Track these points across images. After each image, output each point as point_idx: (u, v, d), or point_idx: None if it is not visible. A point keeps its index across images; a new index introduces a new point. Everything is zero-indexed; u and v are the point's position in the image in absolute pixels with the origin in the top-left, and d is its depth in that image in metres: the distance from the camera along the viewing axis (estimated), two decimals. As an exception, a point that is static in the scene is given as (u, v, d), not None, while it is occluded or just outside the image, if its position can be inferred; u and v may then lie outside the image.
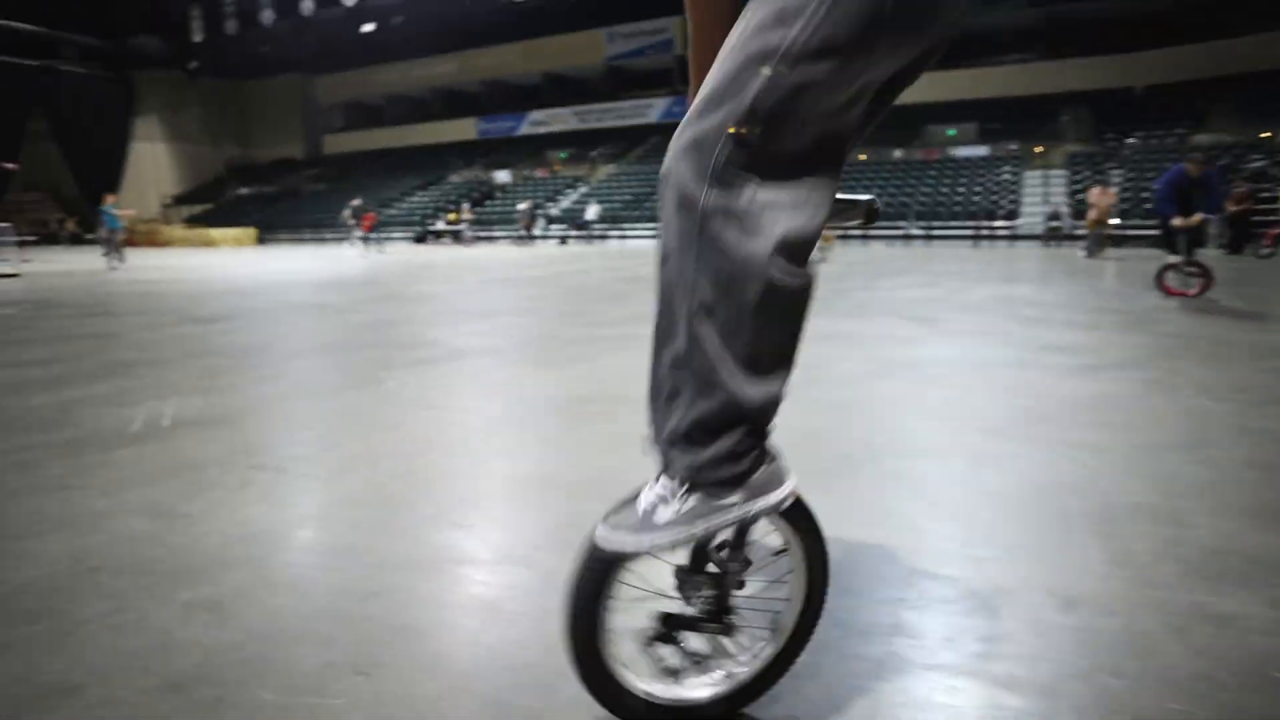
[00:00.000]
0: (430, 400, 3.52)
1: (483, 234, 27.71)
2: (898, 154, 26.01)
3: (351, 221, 21.51)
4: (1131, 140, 23.21)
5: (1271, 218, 16.30)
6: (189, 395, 3.59)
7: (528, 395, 3.61)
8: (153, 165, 39.08)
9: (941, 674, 1.35)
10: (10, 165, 7.50)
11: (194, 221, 36.26)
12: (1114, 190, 11.84)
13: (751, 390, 0.98)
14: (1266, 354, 4.45)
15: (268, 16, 31.37)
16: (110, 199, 16.08)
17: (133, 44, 35.45)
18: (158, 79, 37.81)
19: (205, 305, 7.82)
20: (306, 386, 3.87)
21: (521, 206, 25.72)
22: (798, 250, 0.96)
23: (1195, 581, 1.67)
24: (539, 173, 33.65)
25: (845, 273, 11.00)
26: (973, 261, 13.71)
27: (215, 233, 31.24)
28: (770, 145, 0.93)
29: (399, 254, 20.04)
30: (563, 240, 25.91)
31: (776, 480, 1.05)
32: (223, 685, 1.32)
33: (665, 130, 33.39)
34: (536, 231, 26.19)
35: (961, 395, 3.51)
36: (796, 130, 0.93)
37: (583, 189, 30.35)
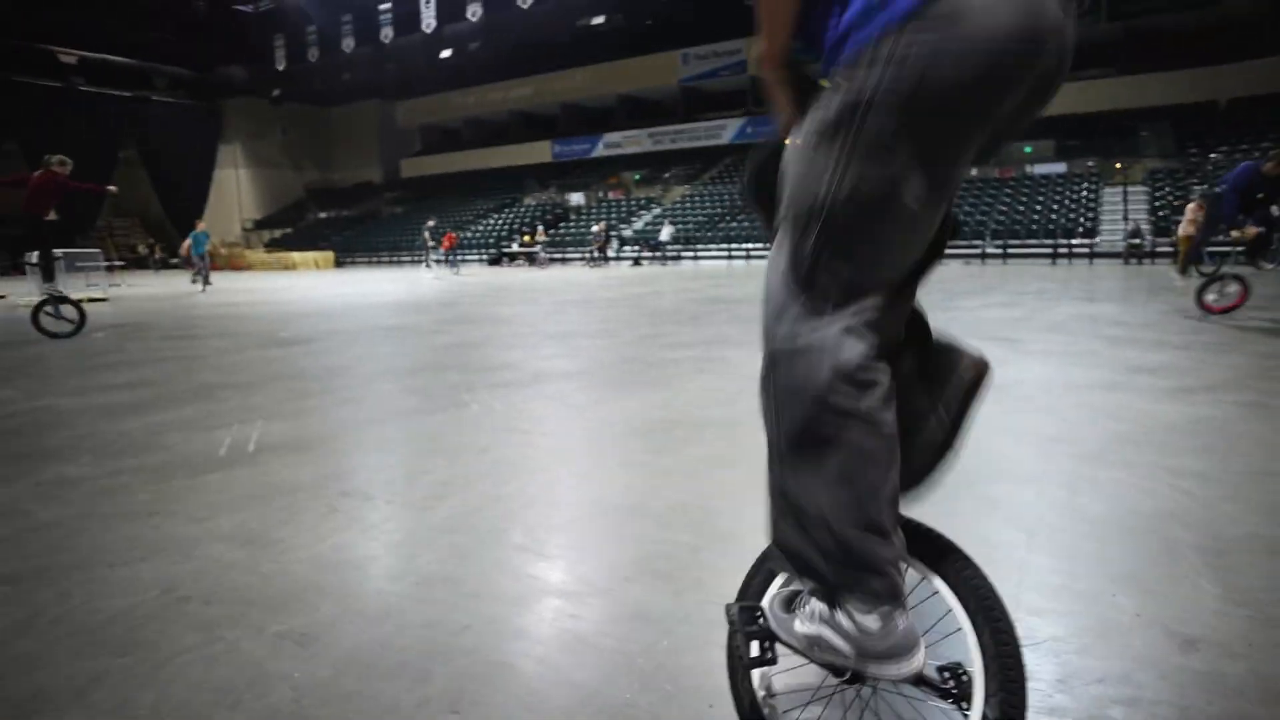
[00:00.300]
0: (514, 424, 3.65)
1: (556, 255, 28.29)
2: (974, 172, 25.29)
3: (431, 243, 22.20)
4: (1215, 155, 21.98)
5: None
6: (274, 419, 3.78)
7: (611, 419, 3.70)
8: (235, 190, 41.48)
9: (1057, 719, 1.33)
10: (110, 188, 8.10)
11: (274, 245, 38.24)
12: (1211, 204, 11.31)
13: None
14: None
15: (349, 44, 32.95)
16: (200, 225, 17.09)
17: (220, 73, 37.84)
18: (242, 107, 40.18)
19: (288, 327, 8.26)
20: (391, 410, 4.06)
21: (595, 228, 26.16)
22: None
23: (1312, 620, 1.62)
24: (613, 194, 34.19)
25: (923, 292, 10.74)
26: (1052, 280, 13.24)
27: (295, 256, 32.80)
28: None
29: (474, 276, 20.68)
30: (636, 261, 26.19)
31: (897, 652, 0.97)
32: (314, 723, 1.35)
33: (738, 151, 33.58)
34: (610, 253, 26.59)
35: (1052, 418, 3.43)
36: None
37: (656, 210, 30.66)
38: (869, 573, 0.96)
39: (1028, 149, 25.30)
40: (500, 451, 3.17)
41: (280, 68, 35.90)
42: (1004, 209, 22.49)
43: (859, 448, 0.95)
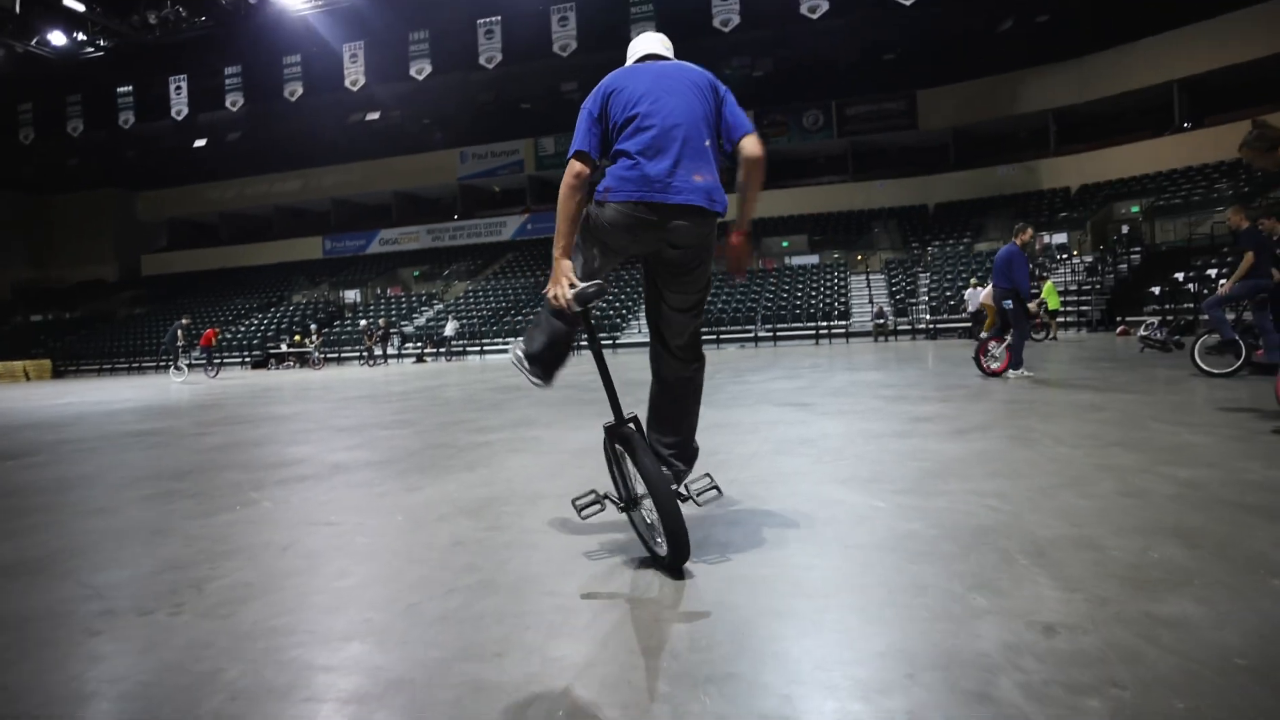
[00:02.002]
0: (319, 516, 3.18)
1: (332, 355, 26.46)
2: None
3: (182, 342, 19.24)
4: (931, 247, 26.49)
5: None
6: None
7: (432, 501, 3.36)
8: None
9: None
10: None
11: (-41, 354, 31.87)
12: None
13: None
14: (1085, 410, 5.04)
15: (75, 126, 29.28)
16: None
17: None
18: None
19: None
20: (158, 515, 3.37)
21: (363, 324, 24.98)
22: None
23: (1134, 593, 1.81)
24: (391, 291, 33.01)
25: (711, 371, 11.41)
26: (820, 356, 14.73)
27: (-7, 366, 27.44)
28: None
29: (237, 379, 18.61)
30: (419, 358, 25.22)
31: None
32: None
33: (519, 247, 34.21)
34: (390, 350, 25.41)
35: (865, 463, 3.67)
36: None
37: (438, 306, 30.00)
38: None
39: (785, 243, 28.64)
40: (309, 545, 2.72)
41: (-18, 150, 31.01)
42: (770, 296, 24.95)
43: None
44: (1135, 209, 22.78)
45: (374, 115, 29.78)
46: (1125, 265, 20.74)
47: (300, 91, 26.26)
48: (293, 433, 6.35)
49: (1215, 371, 6.89)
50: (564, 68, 25.58)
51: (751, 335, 23.21)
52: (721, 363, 13.94)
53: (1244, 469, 3.14)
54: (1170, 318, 12.42)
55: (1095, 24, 24.93)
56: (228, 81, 26.98)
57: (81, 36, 26.52)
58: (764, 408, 6.27)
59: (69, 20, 25.66)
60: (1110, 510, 2.60)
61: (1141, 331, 15.00)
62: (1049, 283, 18.37)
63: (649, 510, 2.24)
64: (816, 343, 22.25)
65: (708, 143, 2.20)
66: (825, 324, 22.93)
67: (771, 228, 28.69)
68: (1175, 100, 25.00)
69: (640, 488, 2.23)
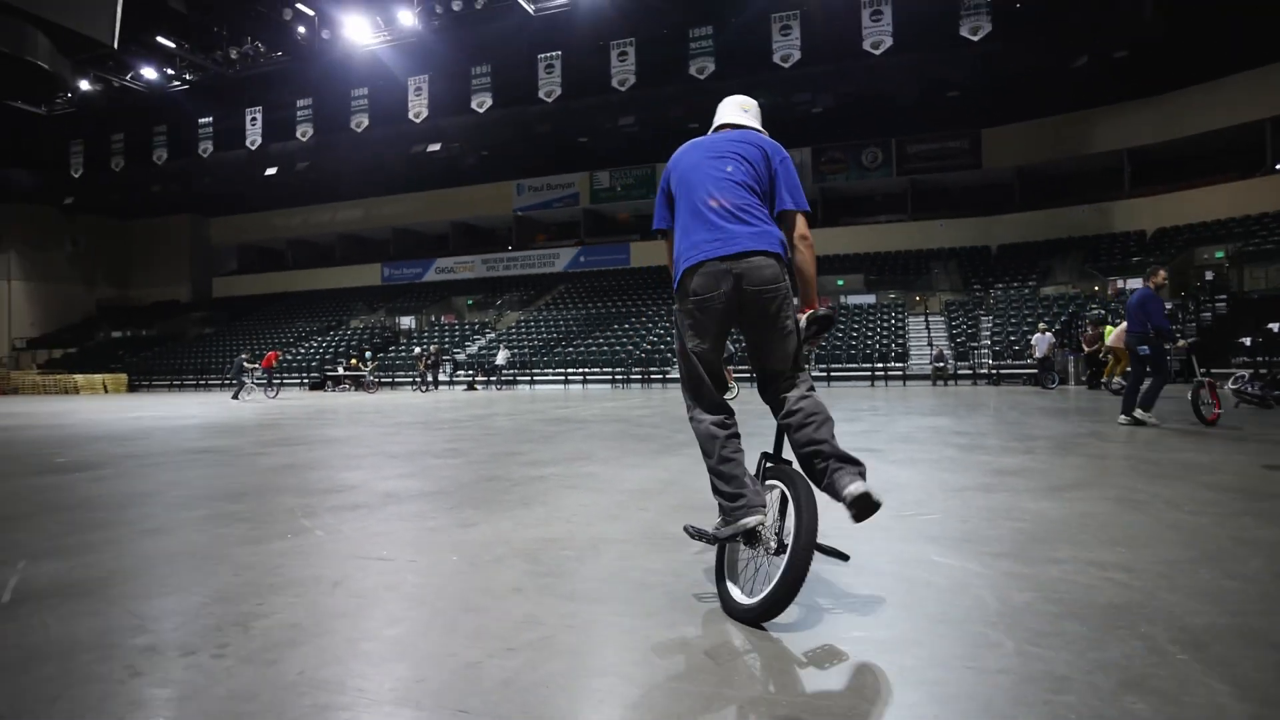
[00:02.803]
0: (371, 550, 3.02)
1: (385, 380, 26.89)
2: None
3: (249, 365, 19.63)
4: (994, 290, 25.69)
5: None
6: (44, 558, 2.93)
7: (486, 540, 3.17)
8: (4, 304, 36.42)
9: None
10: None
11: (53, 366, 33.47)
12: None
13: None
14: (1193, 470, 4.60)
15: (160, 155, 30.78)
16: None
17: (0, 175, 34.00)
18: (22, 213, 36.03)
19: (67, 452, 6.89)
20: (211, 539, 3.27)
21: (416, 350, 25.33)
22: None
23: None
24: (445, 318, 33.53)
25: (764, 411, 11.11)
26: (877, 399, 14.25)
27: (79, 378, 28.83)
28: None
29: (295, 400, 18.97)
30: (470, 385, 25.41)
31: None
32: None
33: (571, 279, 34.46)
34: (442, 376, 25.68)
35: (952, 519, 3.36)
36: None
37: (490, 335, 30.31)
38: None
39: (840, 282, 28.16)
40: (359, 583, 2.55)
41: (76, 174, 32.73)
42: (825, 336, 24.47)
43: (717, 453, 2.27)
44: (1220, 254, 21.68)
45: (435, 147, 30.51)
46: (1209, 313, 19.68)
47: (366, 123, 27.09)
48: (346, 457, 6.29)
49: None
50: (622, 102, 25.82)
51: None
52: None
53: (1407, 548, 2.74)
54: (1265, 370, 11.64)
55: (1180, 60, 24.01)
56: (299, 113, 28.02)
57: (170, 71, 27.96)
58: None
59: (161, 56, 27.11)
60: (1271, 596, 2.25)
61: (1231, 385, 14.19)
62: (1108, 326, 17.55)
63: (764, 556, 2.18)
64: (872, 384, 21.64)
65: (747, 202, 2.29)
66: (882, 366, 22.31)
67: (826, 265, 28.20)
68: (1268, 139, 23.81)
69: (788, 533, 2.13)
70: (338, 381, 26.71)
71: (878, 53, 20.82)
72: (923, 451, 5.82)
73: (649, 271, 32.92)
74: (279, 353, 24.11)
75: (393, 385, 26.91)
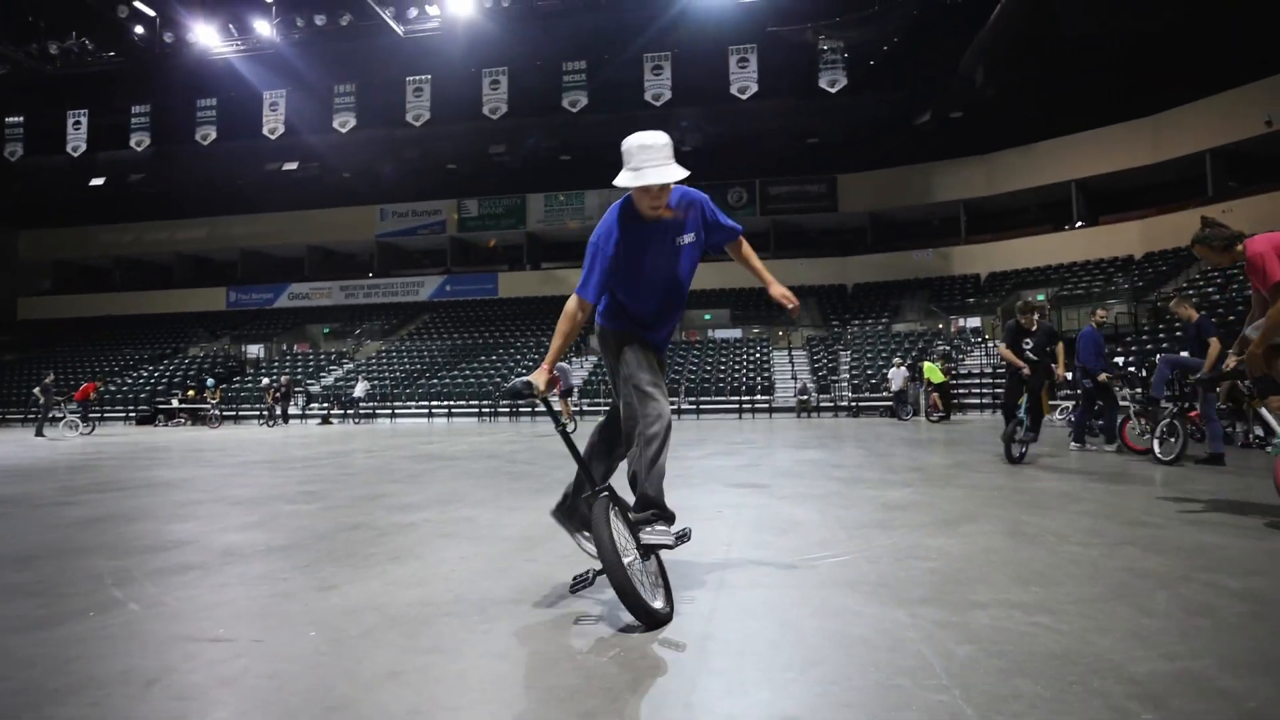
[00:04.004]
0: (201, 628, 2.46)
1: (229, 413, 24.56)
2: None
3: (43, 400, 17.06)
4: (851, 326, 27.22)
5: (960, 389, 19.65)
6: None
7: (351, 606, 2.68)
8: None
9: None
10: None
11: None
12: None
13: None
14: (1063, 499, 4.80)
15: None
16: None
17: None
18: None
19: None
20: (-12, 620, 2.56)
21: (265, 380, 23.41)
22: None
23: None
24: (298, 348, 31.25)
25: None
26: (748, 432, 14.48)
27: None
28: None
29: (114, 436, 16.79)
30: (325, 419, 23.66)
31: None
32: None
33: (437, 308, 33.26)
34: (292, 410, 23.77)
35: (861, 562, 3.22)
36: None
37: (348, 366, 28.50)
38: None
39: (707, 316, 28.80)
40: (185, 678, 2.01)
41: None
42: (693, 368, 24.84)
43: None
44: (1041, 297, 24.13)
45: (291, 165, 28.62)
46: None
47: (214, 135, 24.98)
48: (176, 505, 5.41)
49: (1164, 459, 6.83)
50: (493, 130, 25.39)
51: (674, 407, 22.95)
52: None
53: (1282, 575, 2.86)
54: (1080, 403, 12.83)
55: (1003, 124, 26.85)
56: (134, 120, 25.36)
57: (-32, 61, 24.62)
58: (715, 488, 5.80)
59: (-43, 44, 23.83)
60: (1190, 634, 2.21)
61: (1058, 416, 15.52)
62: (926, 362, 18.97)
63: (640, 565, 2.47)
64: (740, 416, 22.14)
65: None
66: (749, 398, 22.89)
67: (695, 300, 28.89)
68: (1074, 198, 26.98)
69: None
70: (171, 415, 24.08)
71: (744, 97, 21.72)
72: (808, 486, 5.78)
73: (517, 302, 32.33)
74: (99, 383, 21.41)
75: (237, 419, 24.62)
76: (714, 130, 26.21)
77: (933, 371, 18.13)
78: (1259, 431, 8.77)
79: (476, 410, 23.96)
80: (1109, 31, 21.91)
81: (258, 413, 24.04)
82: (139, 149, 25.65)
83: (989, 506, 4.64)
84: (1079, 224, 26.93)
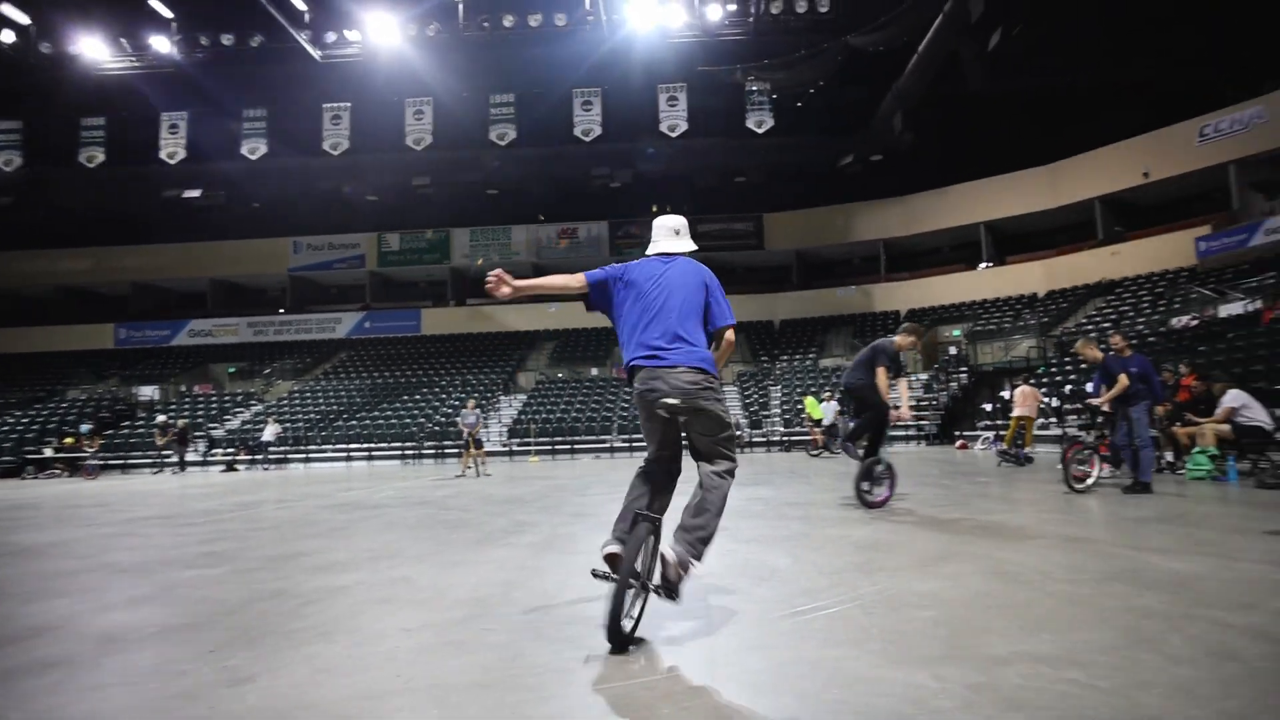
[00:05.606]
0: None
1: (115, 461, 22.54)
2: (595, 371, 27.71)
3: None
4: (780, 361, 27.58)
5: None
6: None
7: (271, 711, 2.18)
8: None
9: None
10: None
11: None
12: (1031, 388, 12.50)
13: None
14: (1023, 536, 4.68)
15: None
16: None
17: None
18: None
19: None
20: None
21: (159, 418, 21.74)
22: None
23: None
24: (199, 388, 29.20)
25: (582, 484, 10.52)
26: (687, 469, 14.16)
27: None
28: None
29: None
30: (229, 466, 21.97)
31: None
32: None
33: (355, 346, 31.88)
34: (192, 456, 21.99)
35: (858, 614, 2.93)
36: None
37: (256, 407, 26.78)
38: None
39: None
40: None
41: None
42: (625, 406, 24.51)
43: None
44: (957, 332, 25.09)
45: (194, 193, 26.95)
46: (956, 383, 22.45)
47: (101, 158, 23.20)
48: (43, 577, 4.61)
49: (1078, 488, 6.96)
50: (417, 161, 24.74)
51: (607, 446, 22.49)
52: (586, 475, 13.01)
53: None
54: (1003, 433, 13.33)
55: (919, 168, 28.20)
56: (2, 138, 23.37)
57: None
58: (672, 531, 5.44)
59: None
60: (1230, 684, 2.06)
61: (980, 445, 15.94)
62: (808, 398, 19.14)
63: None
64: (673, 452, 21.89)
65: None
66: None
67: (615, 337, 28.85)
68: (983, 239, 28.44)
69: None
70: (44, 465, 21.86)
71: (674, 135, 21.93)
72: (770, 527, 5.50)
73: (442, 340, 31.31)
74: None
75: (124, 469, 22.61)
76: (644, 167, 26.39)
77: (813, 407, 18.28)
78: (1169, 457, 9.25)
79: (399, 452, 22.83)
80: (1009, 89, 23.46)
81: (150, 459, 22.16)
82: (7, 169, 23.54)
83: (960, 544, 4.46)
84: (988, 263, 28.34)
